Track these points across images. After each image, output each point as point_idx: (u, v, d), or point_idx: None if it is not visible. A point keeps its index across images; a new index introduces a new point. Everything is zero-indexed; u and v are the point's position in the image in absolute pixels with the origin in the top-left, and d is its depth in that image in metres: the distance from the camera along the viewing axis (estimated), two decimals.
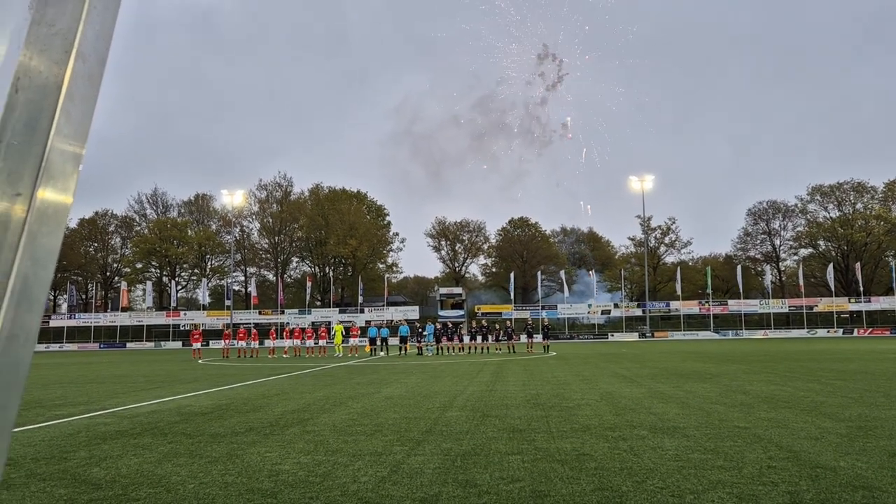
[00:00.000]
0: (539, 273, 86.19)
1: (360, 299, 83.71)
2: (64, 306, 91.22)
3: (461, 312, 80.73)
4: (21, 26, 0.63)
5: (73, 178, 0.65)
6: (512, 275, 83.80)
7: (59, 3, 0.65)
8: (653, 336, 76.55)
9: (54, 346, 78.21)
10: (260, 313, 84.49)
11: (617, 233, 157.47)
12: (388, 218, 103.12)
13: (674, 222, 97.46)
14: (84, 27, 0.65)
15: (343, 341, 38.61)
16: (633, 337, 76.51)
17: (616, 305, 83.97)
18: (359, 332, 41.93)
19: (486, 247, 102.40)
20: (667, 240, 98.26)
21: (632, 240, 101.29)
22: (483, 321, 43.81)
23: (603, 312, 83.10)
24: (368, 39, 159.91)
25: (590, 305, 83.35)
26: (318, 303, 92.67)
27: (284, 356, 37.65)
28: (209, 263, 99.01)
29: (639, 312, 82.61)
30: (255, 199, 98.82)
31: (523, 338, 40.94)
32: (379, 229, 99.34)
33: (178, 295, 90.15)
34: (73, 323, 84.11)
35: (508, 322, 43.04)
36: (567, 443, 7.81)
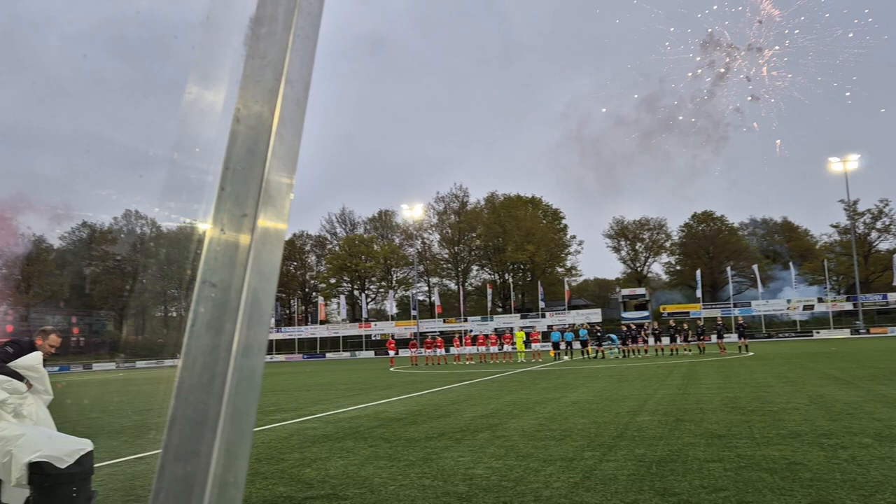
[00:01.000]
0: (728, 269, 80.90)
1: (541, 304, 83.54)
2: (271, 321, 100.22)
3: (645, 313, 77.83)
4: (238, 62, 0.70)
5: (289, 197, 0.70)
6: (698, 272, 79.37)
7: (269, 36, 0.71)
8: (867, 332, 68.78)
9: (265, 358, 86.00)
10: (444, 321, 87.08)
11: (816, 221, 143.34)
12: (563, 221, 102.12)
13: (886, 205, 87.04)
14: (290, 55, 0.70)
15: (525, 346, 38.73)
16: (844, 334, 69.21)
17: (820, 300, 76.45)
18: (539, 336, 41.83)
19: (668, 244, 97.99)
20: (879, 224, 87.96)
21: (835, 227, 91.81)
22: (670, 321, 41.91)
23: (805, 308, 76.04)
24: (536, 47, 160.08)
25: (789, 301, 76.65)
26: (500, 309, 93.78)
27: (469, 363, 38.50)
28: (395, 276, 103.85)
29: (849, 306, 74.60)
30: (433, 211, 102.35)
31: (713, 338, 38.59)
32: (556, 233, 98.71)
33: (369, 307, 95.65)
34: (279, 336, 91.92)
35: (698, 321, 40.80)
36: (774, 450, 7.21)
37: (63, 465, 5.64)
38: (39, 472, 5.53)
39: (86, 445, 5.84)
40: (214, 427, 0.59)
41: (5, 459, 5.41)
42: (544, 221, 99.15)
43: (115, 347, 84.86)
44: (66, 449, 5.67)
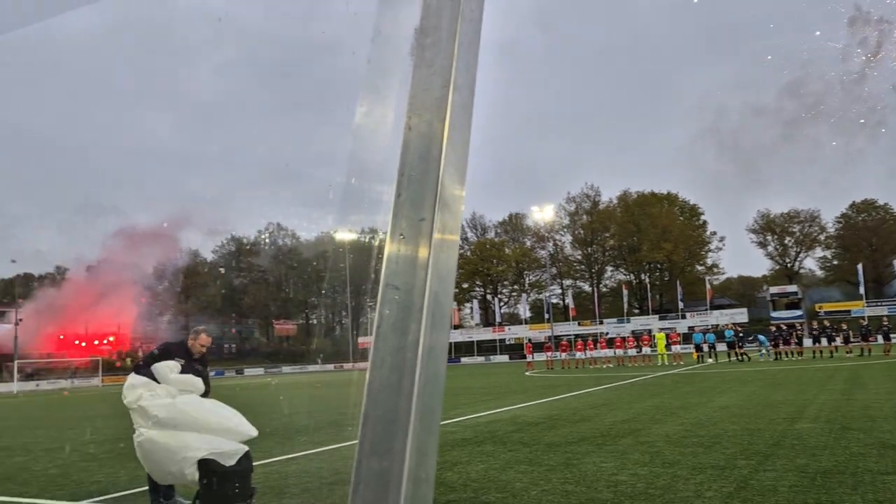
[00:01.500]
0: (895, 262, 73.86)
1: (681, 305, 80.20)
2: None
3: (798, 313, 72.63)
4: (406, 72, 0.73)
5: (461, 199, 0.72)
6: (860, 267, 72.98)
7: (435, 45, 0.73)
8: None
9: None
10: (579, 324, 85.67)
11: None
12: (702, 217, 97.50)
13: None
14: (456, 62, 0.72)
15: (666, 349, 37.32)
16: None
17: None
18: (679, 338, 40.13)
19: (822, 237, 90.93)
20: None
21: None
22: (825, 321, 38.85)
23: None
24: (665, 39, 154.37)
25: None
26: (636, 311, 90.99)
27: (606, 366, 37.63)
28: (527, 279, 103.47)
29: None
30: (564, 212, 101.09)
31: (879, 338, 35.29)
32: (694, 230, 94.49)
33: (502, 311, 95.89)
34: None
35: (861, 321, 37.54)
36: None
37: (228, 463, 6.11)
38: (207, 469, 6.02)
39: (243, 446, 6.30)
40: (405, 425, 0.62)
41: (180, 456, 5.91)
42: (681, 218, 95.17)
43: (263, 354, 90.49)
44: (229, 448, 6.13)
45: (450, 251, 0.70)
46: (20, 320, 64.27)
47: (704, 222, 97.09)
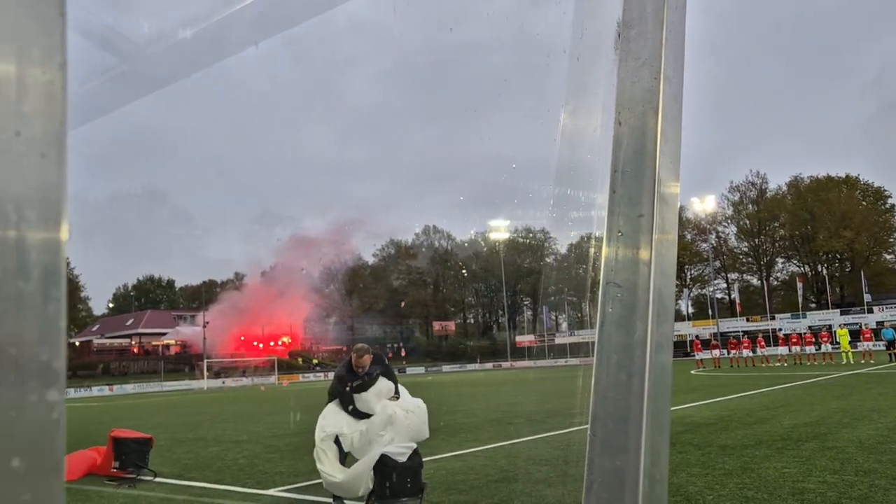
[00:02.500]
0: None
1: (866, 297, 72.94)
2: (564, 325, 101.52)
3: None
4: (611, 69, 0.72)
5: (677, 193, 0.70)
6: None
7: (641, 37, 0.72)
8: None
9: (561, 361, 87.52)
10: (748, 320, 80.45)
11: None
12: (889, 201, 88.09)
13: None
14: (665, 52, 0.70)
15: (851, 346, 34.12)
16: None
17: None
18: (870, 334, 36.48)
19: None
20: None
21: None
22: None
23: None
24: (833, 12, 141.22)
25: None
26: (813, 305, 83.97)
27: (780, 364, 35.02)
28: (689, 273, 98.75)
29: None
30: (727, 202, 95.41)
31: None
32: (880, 215, 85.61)
33: None
34: (573, 339, 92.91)
35: None
36: None
37: (400, 460, 6.42)
38: (381, 466, 6.36)
39: (412, 443, 6.58)
40: (638, 424, 0.61)
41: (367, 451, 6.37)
42: (864, 203, 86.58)
43: (423, 353, 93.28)
44: (402, 445, 6.44)
45: (670, 246, 0.68)
46: (207, 323, 70.75)
47: (892, 206, 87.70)
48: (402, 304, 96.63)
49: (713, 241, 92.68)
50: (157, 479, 8.92)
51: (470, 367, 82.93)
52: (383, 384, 6.81)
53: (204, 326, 69.99)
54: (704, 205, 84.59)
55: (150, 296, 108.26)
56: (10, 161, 0.41)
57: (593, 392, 0.67)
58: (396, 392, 6.88)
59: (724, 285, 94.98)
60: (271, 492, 7.87)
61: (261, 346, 79.15)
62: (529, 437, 11.28)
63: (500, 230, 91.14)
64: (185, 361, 77.34)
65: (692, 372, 34.10)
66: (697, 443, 9.23)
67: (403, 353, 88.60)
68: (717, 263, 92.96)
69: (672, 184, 0.70)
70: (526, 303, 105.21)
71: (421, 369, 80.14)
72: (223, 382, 66.54)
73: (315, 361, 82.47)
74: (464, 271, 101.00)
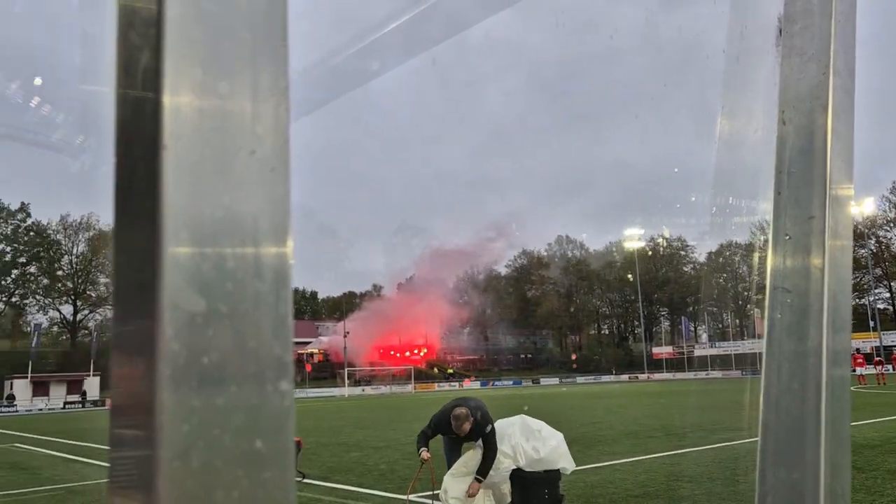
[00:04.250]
0: None
1: None
2: (704, 336, 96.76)
3: None
4: (772, 65, 0.69)
5: (850, 193, 0.66)
6: None
7: (806, 31, 0.69)
8: None
9: (701, 374, 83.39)
10: None
11: None
12: None
13: None
14: (834, 45, 0.67)
15: None
16: None
17: None
18: None
19: None
20: None
21: None
22: None
23: None
24: None
25: None
26: None
27: None
28: None
29: None
30: (888, 203, 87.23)
31: None
32: None
33: None
34: (713, 352, 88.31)
35: None
36: None
37: (532, 470, 6.41)
38: (517, 477, 6.39)
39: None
40: (815, 436, 0.58)
41: (502, 466, 6.43)
42: None
43: (557, 364, 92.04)
44: (536, 459, 6.43)
45: (845, 251, 0.64)
46: (347, 333, 73.70)
47: None
48: (535, 313, 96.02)
49: (872, 247, 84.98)
50: (306, 481, 9.38)
51: (605, 378, 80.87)
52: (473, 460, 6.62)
53: (345, 336, 72.97)
54: (862, 208, 77.76)
55: (294, 307, 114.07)
56: (248, 177, 0.46)
57: (763, 401, 0.64)
58: (481, 472, 6.55)
59: (887, 294, 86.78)
60: (412, 497, 8.06)
61: (398, 355, 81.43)
62: (670, 452, 10.84)
63: (635, 239, 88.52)
64: (327, 369, 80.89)
65: (852, 388, 31.37)
66: (861, 466, 8.47)
67: (574, 358, 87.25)
68: (878, 271, 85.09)
69: (845, 185, 0.66)
70: (663, 313, 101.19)
71: (555, 380, 79.14)
72: (363, 390, 68.96)
73: (450, 371, 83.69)
74: (598, 280, 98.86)
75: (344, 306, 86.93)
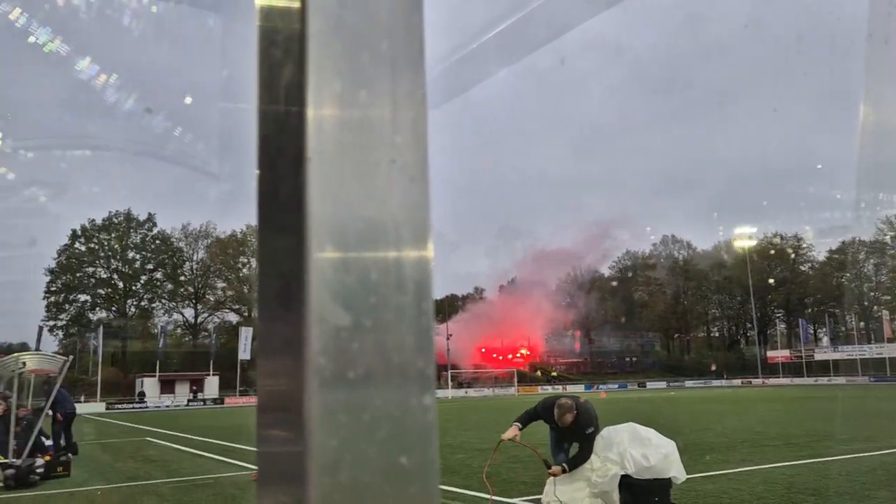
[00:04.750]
0: None
1: None
2: (825, 339, 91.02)
3: None
4: None
5: None
6: None
7: None
8: None
9: (823, 380, 78.48)
10: None
11: None
12: None
13: None
14: None
15: None
16: None
17: None
18: None
19: None
20: None
21: None
22: None
23: None
24: None
25: None
26: None
27: None
28: None
29: None
30: None
31: None
32: None
33: None
34: (836, 356, 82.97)
35: None
36: None
37: (642, 478, 6.25)
38: (627, 484, 6.25)
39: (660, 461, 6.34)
40: None
41: (610, 473, 6.31)
42: None
43: (664, 367, 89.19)
44: (646, 466, 6.27)
45: None
46: (450, 335, 74.42)
47: None
48: (640, 315, 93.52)
49: None
50: None
51: (715, 383, 77.61)
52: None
53: (448, 338, 73.72)
54: None
55: None
56: (389, 187, 0.46)
57: None
58: (571, 463, 6.59)
59: None
60: (515, 500, 8.04)
61: (500, 357, 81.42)
62: (790, 462, 10.25)
63: (746, 237, 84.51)
64: None
65: None
66: None
67: (713, 369, 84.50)
68: None
69: None
70: (778, 315, 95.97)
71: (662, 384, 76.71)
72: (466, 392, 69.40)
73: (554, 374, 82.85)
74: (706, 281, 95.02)
75: (446, 309, 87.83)
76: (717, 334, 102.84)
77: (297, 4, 0.46)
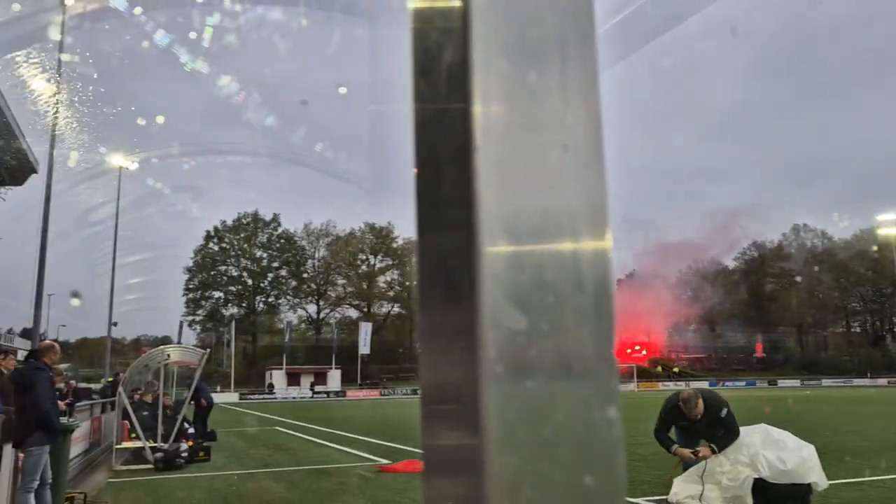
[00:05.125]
0: None
1: None
2: None
3: None
4: None
5: None
6: None
7: None
8: None
9: None
10: None
11: None
12: None
13: None
14: None
15: None
16: None
17: None
18: None
19: None
20: None
21: None
22: None
23: None
24: None
25: None
26: None
27: None
28: None
29: None
30: None
31: None
32: None
33: None
34: None
35: None
36: None
37: (777, 482, 5.90)
38: (761, 486, 5.93)
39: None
40: None
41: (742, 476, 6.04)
42: None
43: (797, 364, 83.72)
44: (782, 470, 5.94)
45: None
46: None
47: None
48: (769, 309, 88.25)
49: None
50: None
51: (857, 382, 71.99)
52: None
53: None
54: None
55: None
56: (560, 175, 0.42)
57: None
58: (718, 444, 6.28)
59: None
60: (639, 500, 7.80)
61: (618, 353, 79.40)
62: None
63: (892, 224, 77.72)
64: None
65: None
66: None
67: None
68: None
69: None
70: None
71: (795, 382, 72.06)
72: None
73: (676, 370, 79.87)
74: (846, 273, 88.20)
75: None
76: (858, 330, 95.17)
77: None
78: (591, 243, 0.42)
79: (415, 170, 0.44)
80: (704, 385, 64.78)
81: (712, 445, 6.28)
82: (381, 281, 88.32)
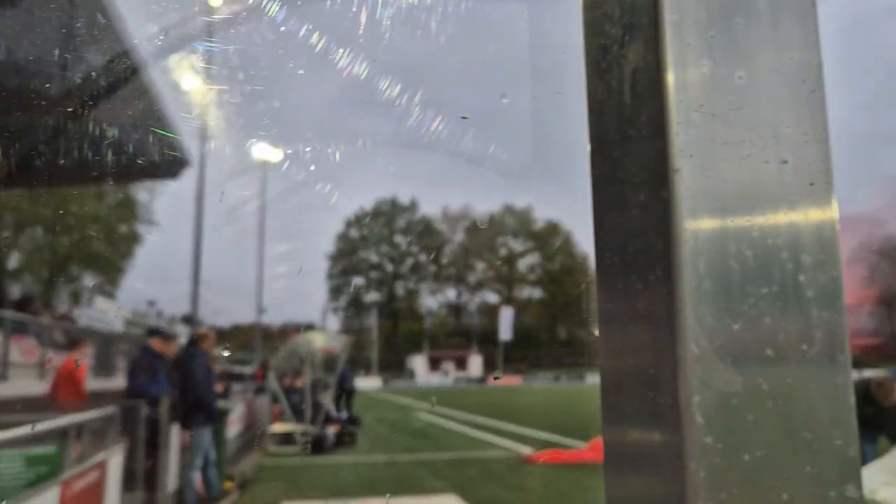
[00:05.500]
0: None
1: None
2: None
3: None
4: None
5: None
6: None
7: None
8: None
9: None
10: None
11: None
12: None
13: None
14: None
15: None
16: None
17: None
18: None
19: None
20: None
21: None
22: None
23: None
24: None
25: None
26: None
27: None
28: None
29: None
30: None
31: None
32: None
33: None
34: None
35: None
36: None
37: None
38: None
39: None
40: None
41: None
42: None
43: None
44: None
45: None
46: None
47: None
48: None
49: None
50: None
51: None
52: None
53: None
54: None
55: None
56: (779, 196, 0.35)
57: None
58: None
59: None
60: None
61: None
62: None
63: None
64: None
65: None
66: None
67: None
68: None
69: None
70: None
71: None
72: None
73: None
74: None
75: None
76: None
77: None
78: (820, 275, 0.36)
79: (588, 147, 0.40)
80: (881, 374, 58.99)
81: None
82: (522, 265, 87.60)
